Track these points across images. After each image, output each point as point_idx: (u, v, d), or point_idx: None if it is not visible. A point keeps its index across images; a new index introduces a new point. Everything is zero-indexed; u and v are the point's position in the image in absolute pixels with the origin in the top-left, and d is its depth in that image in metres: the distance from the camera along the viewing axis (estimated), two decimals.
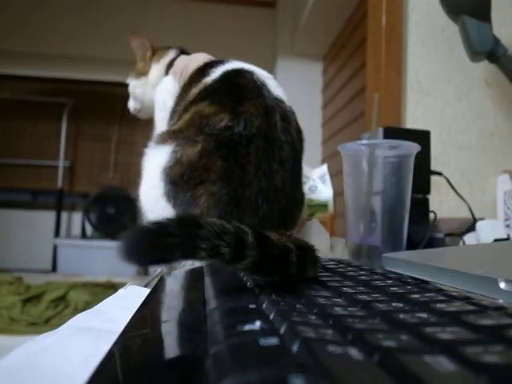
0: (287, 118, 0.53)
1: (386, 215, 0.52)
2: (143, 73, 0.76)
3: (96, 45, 2.79)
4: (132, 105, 0.78)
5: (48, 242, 2.83)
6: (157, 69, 0.74)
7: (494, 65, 0.92)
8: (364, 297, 0.24)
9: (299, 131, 0.56)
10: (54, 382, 0.18)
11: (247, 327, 0.17)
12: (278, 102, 0.53)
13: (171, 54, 0.74)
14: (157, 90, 0.71)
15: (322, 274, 0.32)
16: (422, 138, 0.70)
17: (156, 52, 0.76)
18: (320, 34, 2.19)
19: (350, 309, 0.21)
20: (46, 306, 1.60)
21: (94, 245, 2.69)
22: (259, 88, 0.53)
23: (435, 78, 1.13)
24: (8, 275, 1.96)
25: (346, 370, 0.13)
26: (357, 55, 1.82)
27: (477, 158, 1.12)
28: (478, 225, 0.74)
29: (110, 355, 0.18)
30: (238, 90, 0.52)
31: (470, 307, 0.21)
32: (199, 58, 0.67)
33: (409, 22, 1.13)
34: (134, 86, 0.77)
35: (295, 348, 0.15)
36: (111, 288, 1.79)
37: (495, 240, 0.60)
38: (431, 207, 0.74)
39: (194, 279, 0.36)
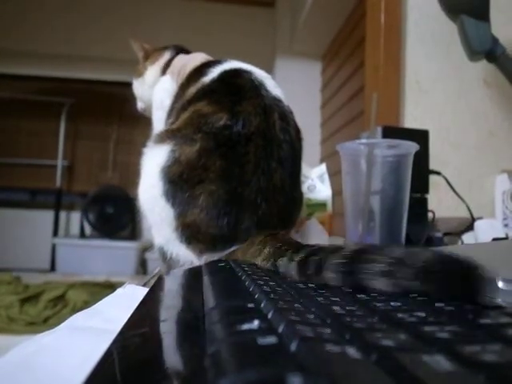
0: (286, 117, 0.53)
1: (384, 214, 0.52)
2: (140, 74, 0.77)
3: (95, 44, 2.78)
4: (138, 104, 0.81)
5: (46, 241, 2.83)
6: (152, 70, 0.74)
7: (492, 64, 0.92)
8: (362, 296, 0.24)
9: (298, 130, 0.56)
10: (51, 383, 0.18)
11: (245, 326, 0.17)
12: (277, 101, 0.53)
13: (167, 55, 0.74)
14: (154, 90, 0.71)
15: None
16: (420, 137, 0.70)
17: (151, 54, 0.77)
18: (319, 33, 2.19)
19: (348, 308, 0.21)
20: (45, 306, 1.60)
21: (93, 244, 2.69)
22: (257, 88, 0.53)
23: (434, 77, 1.13)
24: (6, 274, 1.95)
25: (344, 369, 0.13)
26: (356, 54, 1.82)
27: (475, 158, 1.12)
28: (477, 224, 0.74)
29: (108, 354, 0.18)
30: (237, 90, 0.52)
31: (468, 306, 0.21)
32: (197, 58, 0.67)
33: (408, 21, 1.13)
34: (135, 85, 0.79)
35: (293, 347, 0.15)
36: (110, 287, 1.78)
37: (493, 239, 0.60)
38: (430, 206, 0.75)
39: (192, 278, 0.36)
